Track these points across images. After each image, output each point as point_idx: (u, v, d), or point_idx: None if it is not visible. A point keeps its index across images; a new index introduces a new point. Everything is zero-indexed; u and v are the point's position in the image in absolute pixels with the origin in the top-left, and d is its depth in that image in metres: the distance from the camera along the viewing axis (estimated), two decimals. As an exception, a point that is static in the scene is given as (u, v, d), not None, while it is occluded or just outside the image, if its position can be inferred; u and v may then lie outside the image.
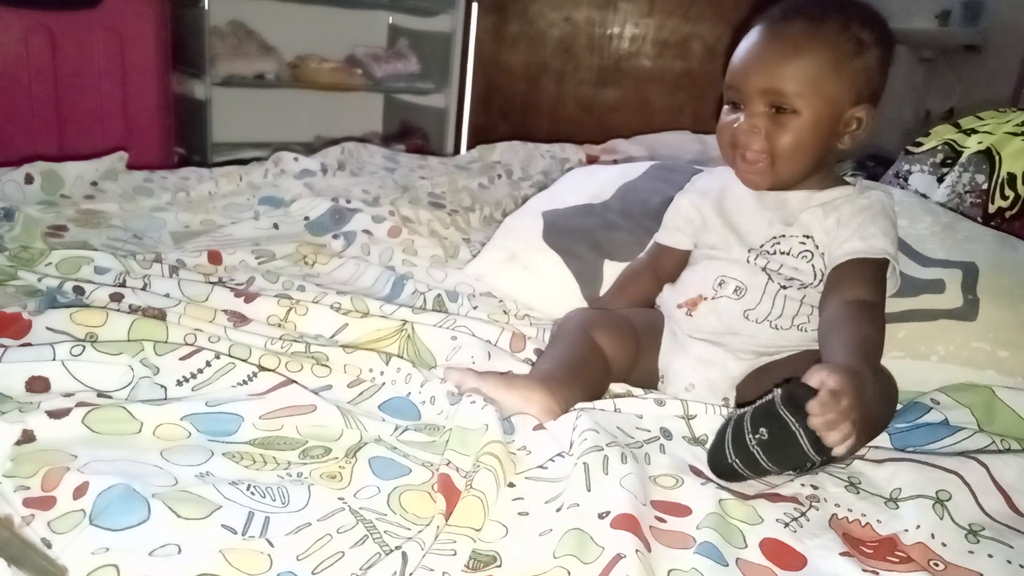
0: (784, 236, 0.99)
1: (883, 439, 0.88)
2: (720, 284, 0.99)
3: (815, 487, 0.76)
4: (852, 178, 1.08)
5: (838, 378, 0.71)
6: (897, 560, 0.67)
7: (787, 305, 0.96)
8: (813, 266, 0.97)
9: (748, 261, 0.99)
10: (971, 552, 0.68)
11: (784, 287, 0.97)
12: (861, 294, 0.92)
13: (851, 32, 0.94)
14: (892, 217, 1.00)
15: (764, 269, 0.98)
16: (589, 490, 0.68)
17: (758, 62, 0.96)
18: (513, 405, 0.81)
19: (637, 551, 0.60)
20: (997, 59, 2.51)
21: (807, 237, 0.98)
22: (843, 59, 0.94)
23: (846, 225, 0.97)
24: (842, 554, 0.66)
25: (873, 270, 0.95)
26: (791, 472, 0.77)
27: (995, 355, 0.98)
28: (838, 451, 0.72)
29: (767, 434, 0.72)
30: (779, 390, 0.74)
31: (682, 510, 0.70)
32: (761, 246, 1.00)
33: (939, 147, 1.49)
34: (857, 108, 0.96)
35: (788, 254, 0.98)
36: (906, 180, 1.51)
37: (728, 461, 0.74)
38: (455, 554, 0.60)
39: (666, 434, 0.82)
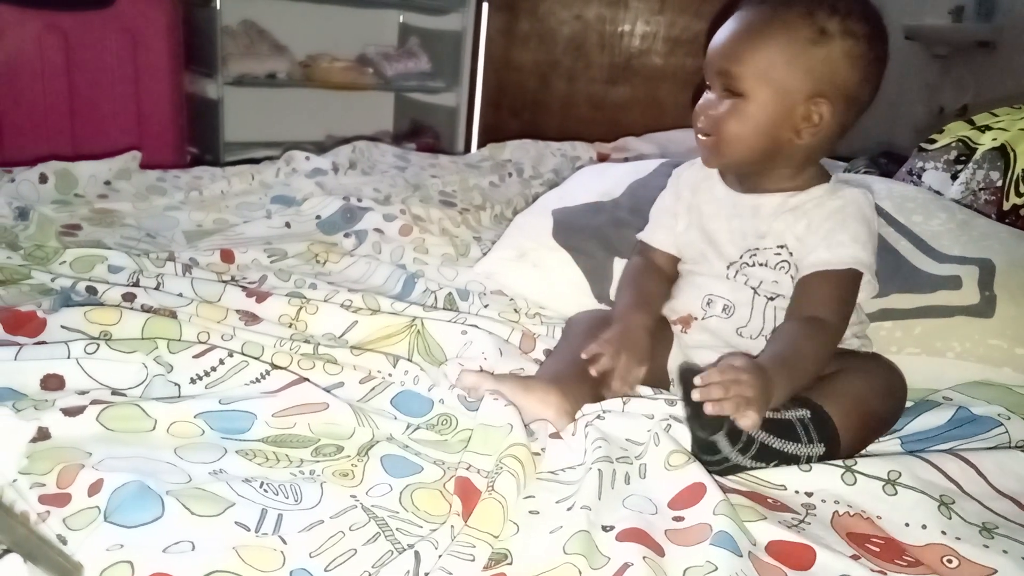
0: (759, 248, 0.95)
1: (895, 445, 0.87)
2: (708, 303, 0.97)
3: (808, 494, 0.75)
4: (835, 170, 1.03)
5: (728, 362, 0.76)
6: (905, 564, 0.66)
7: (778, 317, 0.93)
8: (791, 277, 0.93)
9: (728, 277, 0.96)
10: (986, 546, 0.68)
11: (771, 299, 0.94)
12: (815, 311, 0.88)
13: (813, 19, 0.88)
14: (867, 217, 0.93)
15: (747, 284, 0.95)
16: (599, 498, 0.68)
17: (718, 43, 0.93)
18: (531, 408, 0.81)
19: (645, 558, 0.60)
20: (1012, 55, 2.48)
21: (781, 247, 0.94)
22: (798, 47, 0.88)
23: (815, 231, 0.91)
24: (851, 557, 0.66)
25: (837, 284, 0.90)
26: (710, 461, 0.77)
27: (1012, 352, 0.97)
28: (742, 423, 0.73)
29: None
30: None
31: (697, 492, 0.70)
32: (740, 257, 0.96)
33: (953, 144, 1.48)
34: (816, 101, 0.89)
35: (766, 265, 0.94)
36: (919, 177, 1.50)
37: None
38: (474, 559, 0.60)
39: (671, 425, 0.82)
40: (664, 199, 1.09)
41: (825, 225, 0.91)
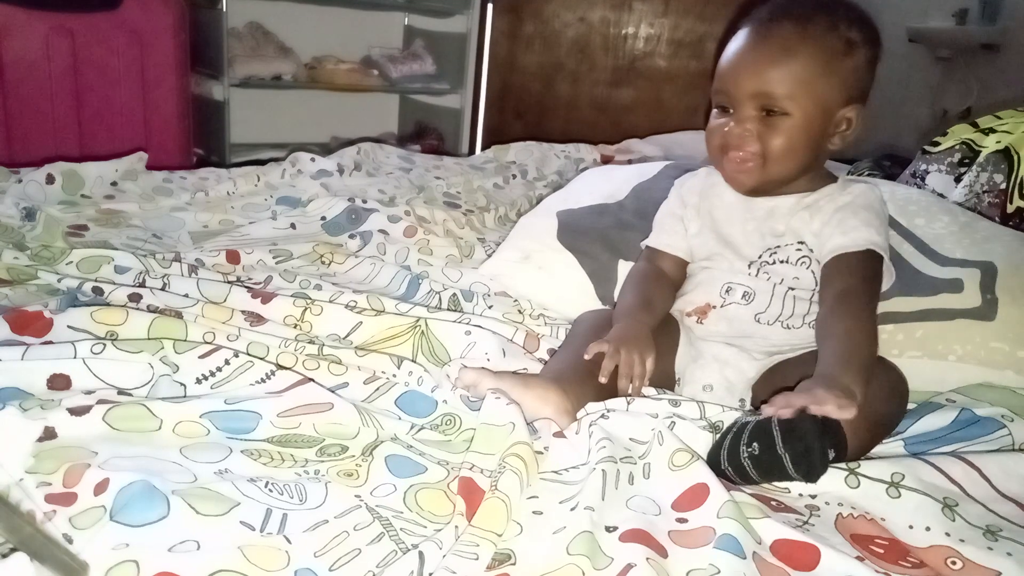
0: (779, 246, 0.99)
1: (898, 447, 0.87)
2: (727, 291, 0.99)
3: (812, 496, 0.75)
4: (839, 172, 1.07)
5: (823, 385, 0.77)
6: (909, 565, 0.66)
7: (797, 305, 0.96)
8: (812, 272, 0.97)
9: (750, 275, 0.99)
10: (990, 548, 0.68)
11: (792, 288, 0.97)
12: (846, 283, 0.92)
13: (839, 32, 0.93)
14: (877, 208, 0.99)
15: (769, 280, 0.98)
16: (603, 499, 0.68)
17: (747, 65, 0.94)
18: (529, 405, 0.81)
19: (648, 559, 0.60)
20: (1016, 58, 2.48)
21: (801, 243, 0.98)
22: (832, 60, 0.93)
23: (827, 223, 0.97)
24: (856, 558, 0.66)
25: (858, 261, 0.94)
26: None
27: (1014, 355, 0.97)
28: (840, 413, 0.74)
29: (757, 450, 0.73)
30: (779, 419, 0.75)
31: (700, 493, 0.70)
32: (760, 257, 0.99)
33: (956, 147, 1.48)
34: (847, 108, 0.96)
35: (787, 262, 0.98)
36: (923, 180, 1.50)
37: (722, 467, 0.75)
38: (477, 558, 0.60)
39: (675, 423, 0.82)
40: (669, 206, 1.12)
41: (837, 216, 0.97)
